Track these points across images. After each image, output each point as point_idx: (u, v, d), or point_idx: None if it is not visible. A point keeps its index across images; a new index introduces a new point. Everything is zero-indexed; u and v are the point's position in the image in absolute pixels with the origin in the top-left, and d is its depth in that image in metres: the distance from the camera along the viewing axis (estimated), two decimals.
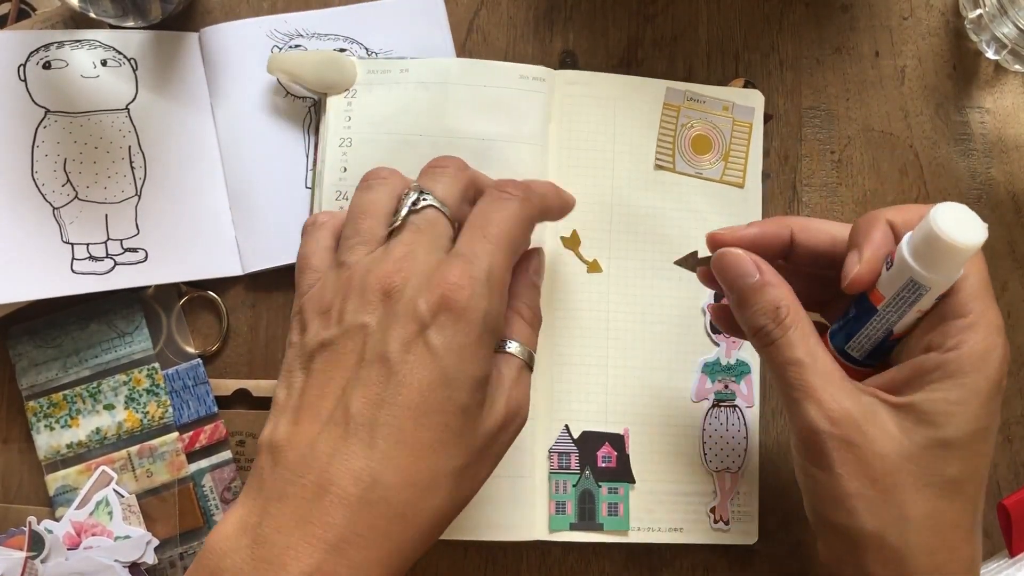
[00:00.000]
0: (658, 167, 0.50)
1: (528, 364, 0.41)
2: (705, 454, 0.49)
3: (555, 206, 0.44)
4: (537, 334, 0.43)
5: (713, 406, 0.49)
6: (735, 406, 0.49)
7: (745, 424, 0.49)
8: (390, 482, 0.35)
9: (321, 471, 0.35)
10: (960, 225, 0.35)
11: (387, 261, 0.38)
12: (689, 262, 0.43)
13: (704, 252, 0.42)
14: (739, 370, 0.50)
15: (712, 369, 0.49)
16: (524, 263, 0.44)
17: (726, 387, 0.49)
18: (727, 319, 0.43)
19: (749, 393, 0.50)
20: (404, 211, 0.39)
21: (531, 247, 0.44)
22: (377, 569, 0.34)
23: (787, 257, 0.42)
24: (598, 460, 0.48)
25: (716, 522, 0.48)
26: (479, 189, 0.42)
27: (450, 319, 0.36)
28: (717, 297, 0.49)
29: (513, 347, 0.41)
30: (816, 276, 0.42)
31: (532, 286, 0.44)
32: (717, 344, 0.50)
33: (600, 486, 0.48)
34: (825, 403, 0.37)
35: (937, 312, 0.38)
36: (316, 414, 0.36)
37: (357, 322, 0.37)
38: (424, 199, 0.40)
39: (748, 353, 0.50)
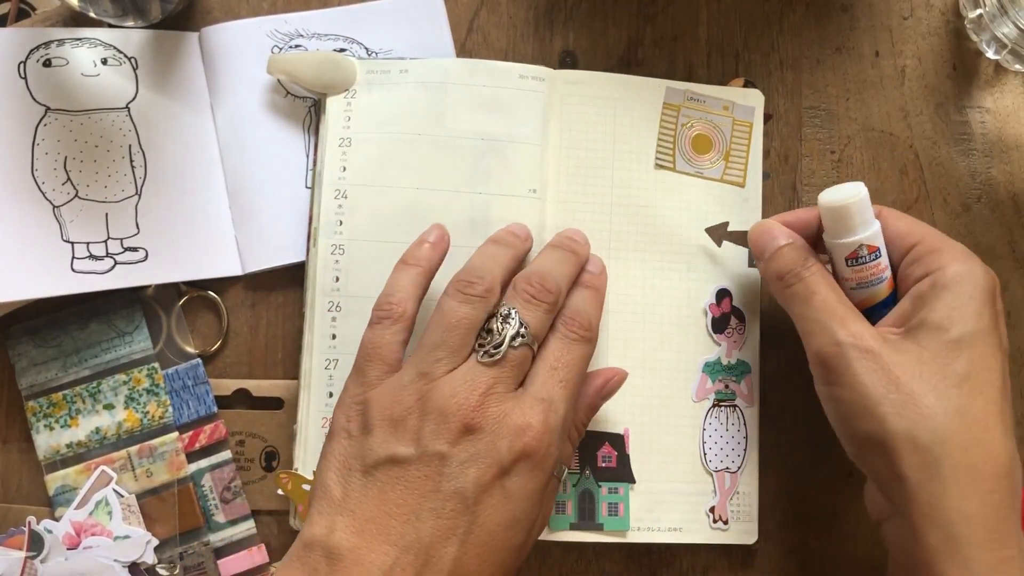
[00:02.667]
0: (658, 167, 0.50)
1: (560, 478, 0.43)
2: (705, 454, 0.49)
3: None
4: (575, 448, 0.44)
5: (713, 406, 0.49)
6: (735, 406, 0.49)
7: (745, 424, 0.49)
8: None
9: None
10: (841, 192, 0.43)
11: (472, 393, 0.39)
12: (718, 232, 0.48)
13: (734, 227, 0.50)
14: (740, 370, 0.50)
15: (713, 369, 0.49)
16: (593, 380, 0.44)
17: (726, 387, 0.49)
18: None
19: (750, 393, 0.50)
20: (504, 346, 0.40)
21: (614, 368, 0.45)
22: None
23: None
24: (598, 460, 0.48)
25: (715, 522, 0.48)
26: None
27: (527, 467, 0.38)
28: (718, 298, 0.49)
29: (556, 470, 0.41)
30: None
31: (595, 408, 0.45)
32: (718, 344, 0.50)
33: (600, 486, 0.48)
34: (848, 323, 0.41)
35: (914, 259, 0.43)
36: (385, 533, 0.37)
37: (435, 449, 0.38)
38: (523, 336, 0.40)
39: (749, 353, 0.50)
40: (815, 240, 0.46)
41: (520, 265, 0.45)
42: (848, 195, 0.43)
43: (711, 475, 0.49)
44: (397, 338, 0.42)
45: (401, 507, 0.37)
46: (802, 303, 0.43)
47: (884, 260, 0.43)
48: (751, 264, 0.50)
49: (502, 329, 0.40)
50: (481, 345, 0.40)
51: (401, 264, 0.44)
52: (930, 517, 0.39)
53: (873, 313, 0.44)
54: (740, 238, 0.49)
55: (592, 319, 0.43)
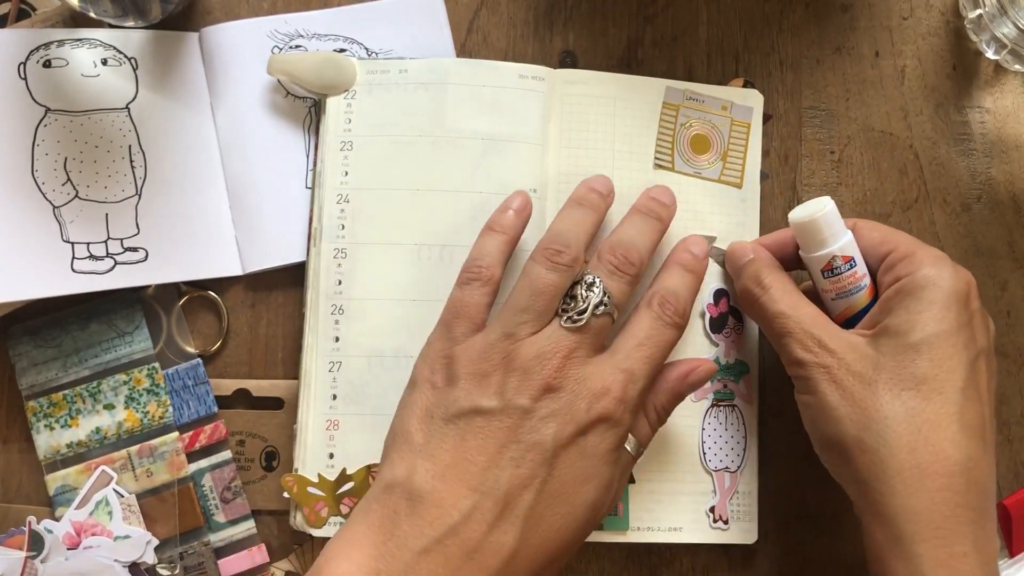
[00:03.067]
0: (657, 166, 0.50)
1: (635, 457, 0.44)
2: (704, 453, 0.49)
3: None
4: (654, 434, 0.45)
5: (712, 405, 0.49)
6: (734, 405, 0.49)
7: (744, 424, 0.49)
8: (521, 561, 0.38)
9: (469, 538, 0.38)
10: (809, 208, 0.45)
11: (555, 356, 0.40)
12: (714, 253, 0.49)
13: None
14: (738, 370, 0.50)
15: None
16: (677, 366, 0.45)
17: (725, 387, 0.50)
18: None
19: (748, 393, 0.50)
20: (587, 315, 0.41)
21: (700, 359, 0.46)
22: None
23: None
24: None
25: (715, 521, 0.48)
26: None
27: (603, 428, 0.40)
28: (716, 298, 0.49)
29: (631, 443, 0.43)
30: None
31: (678, 395, 0.45)
32: (716, 344, 0.50)
33: None
34: (803, 340, 0.43)
35: (888, 267, 0.44)
36: (465, 478, 0.39)
37: (518, 404, 0.40)
38: (606, 304, 0.42)
39: (747, 353, 0.50)
40: (794, 258, 0.47)
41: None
42: (815, 210, 0.44)
43: (711, 475, 0.49)
44: (484, 300, 0.43)
45: (481, 454, 0.39)
46: (768, 319, 0.45)
47: (860, 269, 0.44)
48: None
49: (586, 297, 0.42)
50: (564, 310, 0.42)
51: (488, 230, 0.45)
52: (878, 515, 0.41)
53: (854, 321, 0.44)
54: (719, 255, 0.50)
55: (687, 306, 0.44)
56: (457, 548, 0.37)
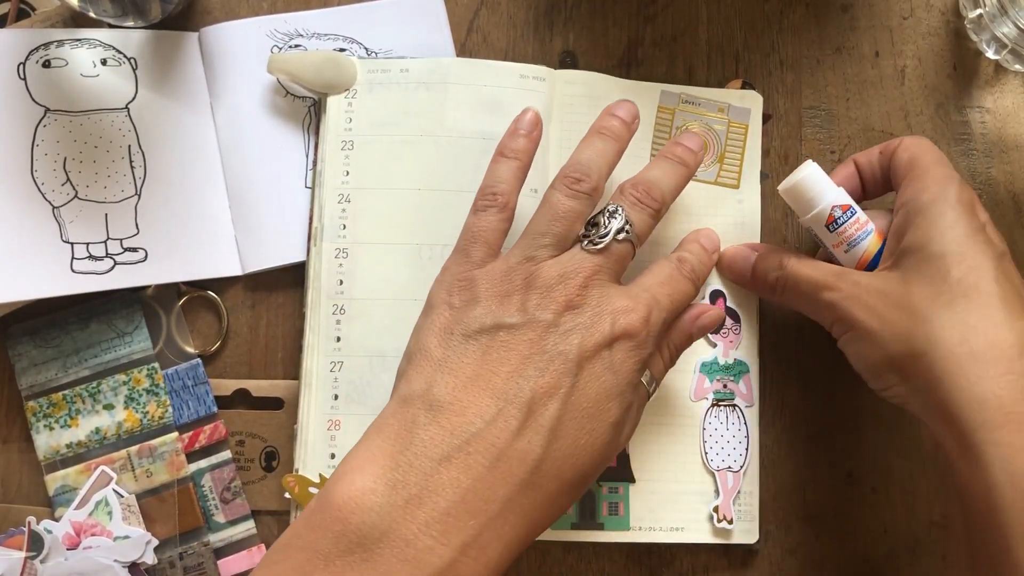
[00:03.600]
0: None
1: (649, 395, 0.44)
2: (706, 453, 0.49)
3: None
4: (666, 373, 0.45)
5: (712, 405, 0.49)
6: (735, 405, 0.49)
7: (745, 423, 0.49)
8: (547, 473, 0.37)
9: (492, 444, 0.37)
10: (793, 175, 0.46)
11: (576, 275, 0.40)
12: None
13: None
14: (738, 369, 0.50)
15: (710, 368, 0.49)
16: (691, 309, 0.45)
17: (725, 386, 0.50)
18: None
19: (749, 392, 0.50)
20: (609, 237, 0.41)
21: (711, 305, 0.49)
22: (518, 547, 0.37)
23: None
24: None
25: (719, 521, 0.48)
26: None
27: (628, 345, 0.40)
28: (712, 299, 0.50)
29: (646, 376, 0.43)
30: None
31: (688, 336, 0.45)
32: (714, 345, 0.50)
33: (600, 485, 0.48)
34: (833, 283, 0.44)
35: (900, 198, 0.45)
36: (488, 388, 0.38)
37: (541, 318, 0.39)
38: (627, 231, 0.42)
39: (746, 353, 0.50)
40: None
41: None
42: (799, 174, 0.46)
43: (712, 474, 0.49)
44: (501, 225, 0.43)
45: (505, 365, 0.38)
46: (797, 296, 0.46)
47: (862, 215, 0.45)
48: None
49: (608, 223, 0.42)
50: (586, 235, 0.41)
51: (499, 156, 0.44)
52: (948, 418, 0.40)
53: (873, 266, 0.45)
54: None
55: (703, 270, 0.46)
56: (480, 455, 0.36)
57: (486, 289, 0.40)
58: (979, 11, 0.51)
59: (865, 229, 0.45)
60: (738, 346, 0.50)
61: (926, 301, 0.41)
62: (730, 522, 0.48)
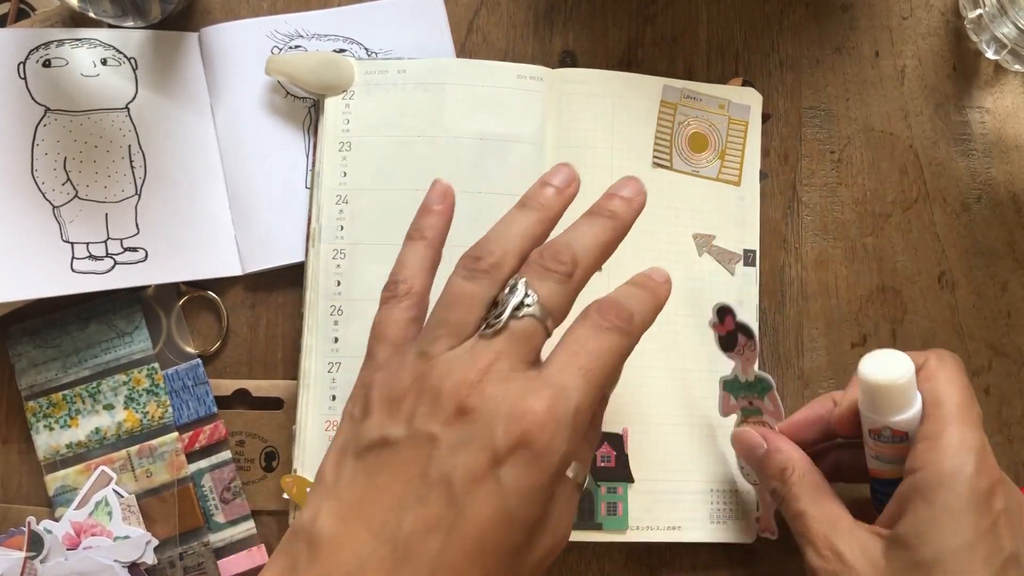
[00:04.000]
0: (656, 165, 0.50)
1: (581, 485, 0.38)
2: (744, 467, 0.48)
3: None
4: (594, 452, 0.41)
5: (742, 422, 0.47)
6: (763, 422, 0.47)
7: None
8: None
9: None
10: (882, 366, 0.39)
11: (470, 370, 0.34)
12: (703, 242, 0.48)
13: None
14: (760, 387, 0.46)
15: (732, 386, 0.47)
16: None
17: (751, 403, 0.47)
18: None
19: (776, 408, 0.46)
20: (506, 315, 0.35)
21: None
22: None
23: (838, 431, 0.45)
24: (597, 459, 0.48)
25: (763, 532, 0.48)
26: None
27: (526, 458, 0.33)
28: (720, 316, 0.46)
29: (573, 469, 0.36)
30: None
31: (603, 400, 0.40)
32: (731, 361, 0.47)
33: (599, 485, 0.48)
34: (819, 545, 0.40)
35: (916, 441, 0.39)
36: (367, 521, 0.33)
37: (425, 430, 0.34)
38: (528, 305, 0.35)
39: (768, 368, 0.48)
40: (822, 433, 0.45)
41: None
42: (891, 376, 0.39)
43: (752, 488, 0.48)
44: (405, 315, 0.38)
45: (387, 493, 0.34)
46: (790, 521, 0.43)
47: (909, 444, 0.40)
48: (747, 263, 0.50)
49: (506, 300, 0.36)
50: (484, 319, 0.36)
51: (407, 239, 0.40)
52: None
53: (886, 485, 0.41)
54: (721, 255, 0.49)
55: (633, 311, 0.37)
56: None
57: (378, 396, 0.36)
58: (979, 11, 0.51)
59: (902, 456, 0.40)
60: (755, 362, 0.47)
61: None
62: (773, 533, 0.48)
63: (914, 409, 0.39)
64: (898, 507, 0.39)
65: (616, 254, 0.49)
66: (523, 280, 0.36)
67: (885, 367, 0.39)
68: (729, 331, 0.46)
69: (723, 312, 0.46)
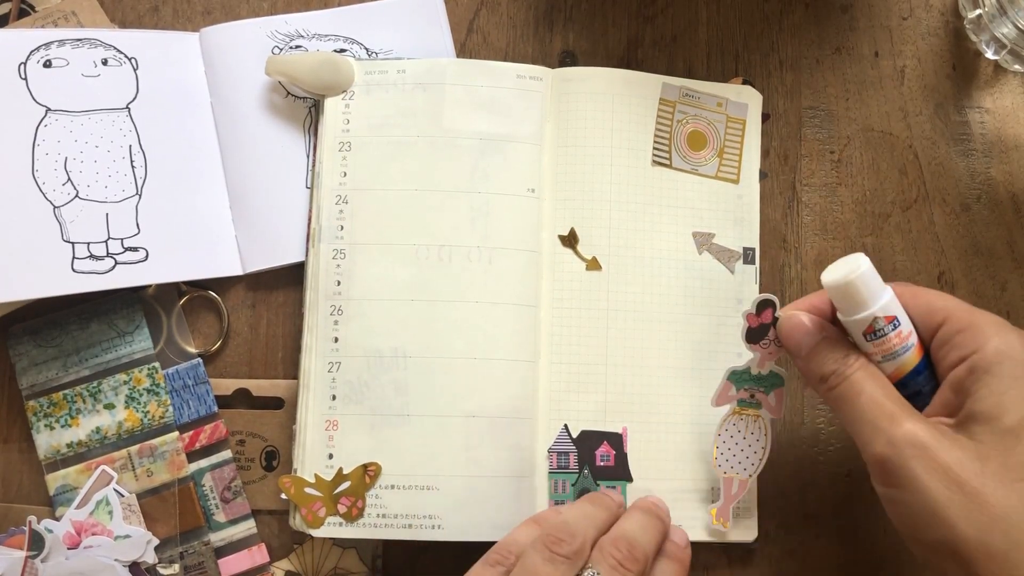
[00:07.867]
0: (655, 163, 0.50)
1: None
2: (718, 456, 0.48)
3: None
4: None
5: (733, 413, 0.47)
6: (759, 416, 0.47)
7: (765, 434, 0.47)
8: None
9: None
10: (839, 268, 0.41)
11: None
12: (703, 240, 0.48)
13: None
14: (771, 382, 0.47)
15: (740, 377, 0.47)
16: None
17: (752, 396, 0.47)
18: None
19: (778, 405, 0.47)
20: None
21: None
22: None
23: None
24: (596, 459, 0.48)
25: (715, 523, 0.48)
26: None
27: None
28: (759, 309, 0.45)
29: None
30: None
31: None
32: (752, 353, 0.46)
33: (598, 484, 0.48)
34: (900, 420, 0.38)
35: (944, 340, 0.40)
36: None
37: None
38: None
39: (783, 366, 0.47)
40: (832, 319, 0.44)
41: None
42: (849, 270, 0.40)
43: (720, 478, 0.48)
44: None
45: None
46: (849, 405, 0.40)
47: (906, 326, 0.41)
48: (747, 261, 0.50)
49: None
50: None
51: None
52: None
53: (907, 383, 0.41)
54: (721, 253, 0.49)
55: (648, 546, 0.41)
56: None
57: None
58: (978, 11, 0.52)
59: (905, 344, 0.41)
60: (776, 359, 0.46)
61: (1004, 490, 0.36)
62: (725, 526, 0.48)
63: (889, 292, 0.41)
64: (956, 393, 0.39)
65: (616, 253, 0.50)
66: (599, 573, 0.39)
67: (843, 267, 0.41)
68: (763, 324, 0.45)
69: (765, 304, 0.45)
